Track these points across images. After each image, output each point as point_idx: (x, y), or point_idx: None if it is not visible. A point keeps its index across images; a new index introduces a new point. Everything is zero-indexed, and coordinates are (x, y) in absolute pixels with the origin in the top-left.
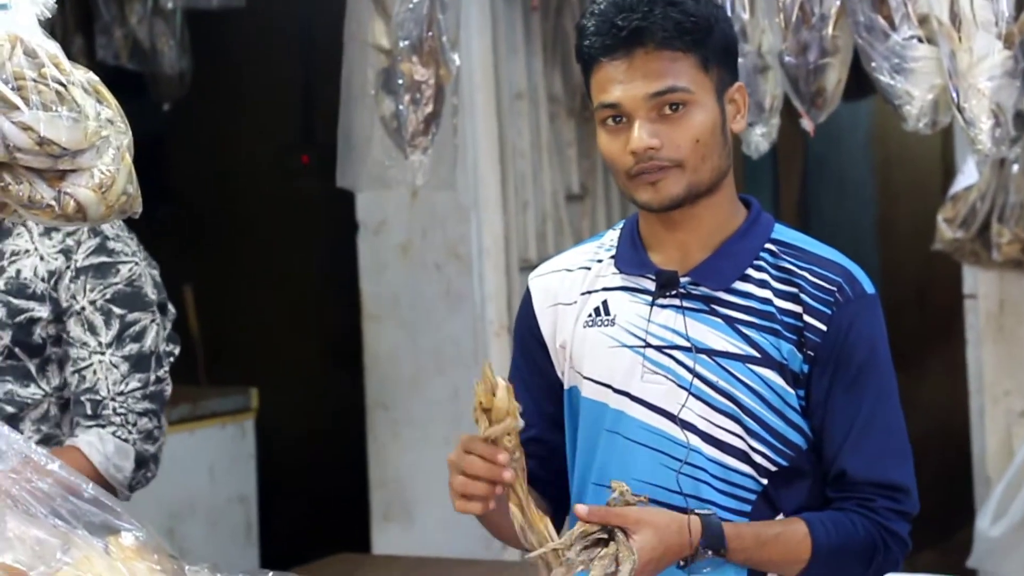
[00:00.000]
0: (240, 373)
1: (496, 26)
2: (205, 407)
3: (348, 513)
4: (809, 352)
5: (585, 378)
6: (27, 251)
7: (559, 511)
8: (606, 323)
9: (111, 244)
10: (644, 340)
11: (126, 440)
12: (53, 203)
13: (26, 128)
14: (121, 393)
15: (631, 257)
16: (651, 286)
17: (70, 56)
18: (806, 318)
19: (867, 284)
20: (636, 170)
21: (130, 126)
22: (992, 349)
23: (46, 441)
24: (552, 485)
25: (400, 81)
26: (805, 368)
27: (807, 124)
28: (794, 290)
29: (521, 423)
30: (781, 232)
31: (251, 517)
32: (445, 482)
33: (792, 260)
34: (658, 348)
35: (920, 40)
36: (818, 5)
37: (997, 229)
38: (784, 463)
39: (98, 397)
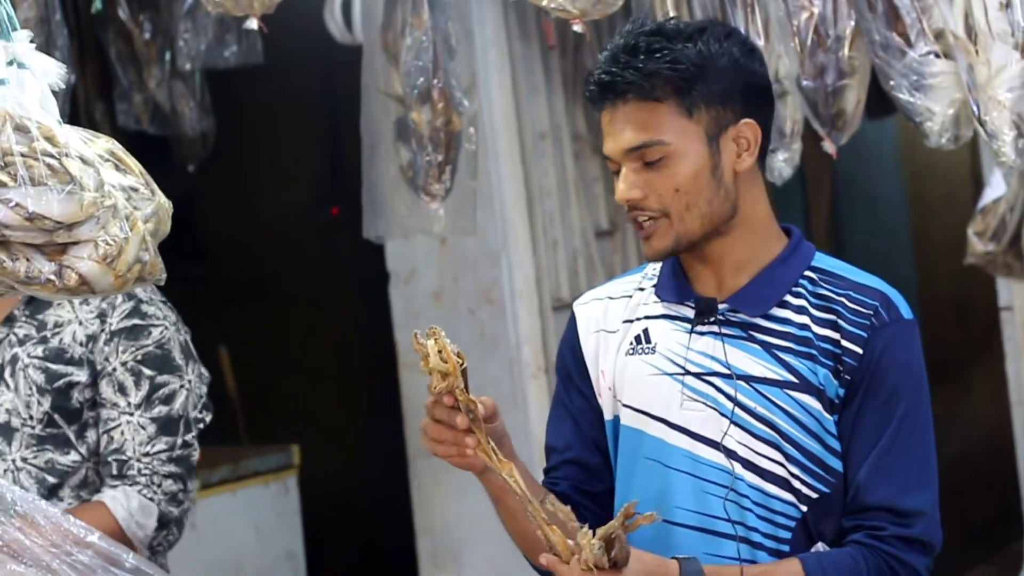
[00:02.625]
0: (280, 430)
1: (515, 67)
2: (247, 466)
3: (397, 563)
4: (846, 377)
5: (625, 406)
6: (69, 320)
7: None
8: (647, 351)
9: (144, 308)
10: (683, 368)
11: (151, 499)
12: (53, 277)
13: (14, 205)
14: (147, 454)
15: (672, 285)
16: (691, 313)
17: (92, 124)
18: (843, 343)
19: (905, 310)
20: (631, 218)
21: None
22: None
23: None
24: (588, 509)
25: (412, 129)
26: (841, 392)
27: (829, 147)
28: (832, 316)
29: (461, 382)
30: (821, 260)
31: (299, 574)
32: (492, 526)
33: (830, 287)
34: (697, 375)
35: (937, 55)
36: (833, 27)
37: None
38: (825, 489)
39: (124, 457)
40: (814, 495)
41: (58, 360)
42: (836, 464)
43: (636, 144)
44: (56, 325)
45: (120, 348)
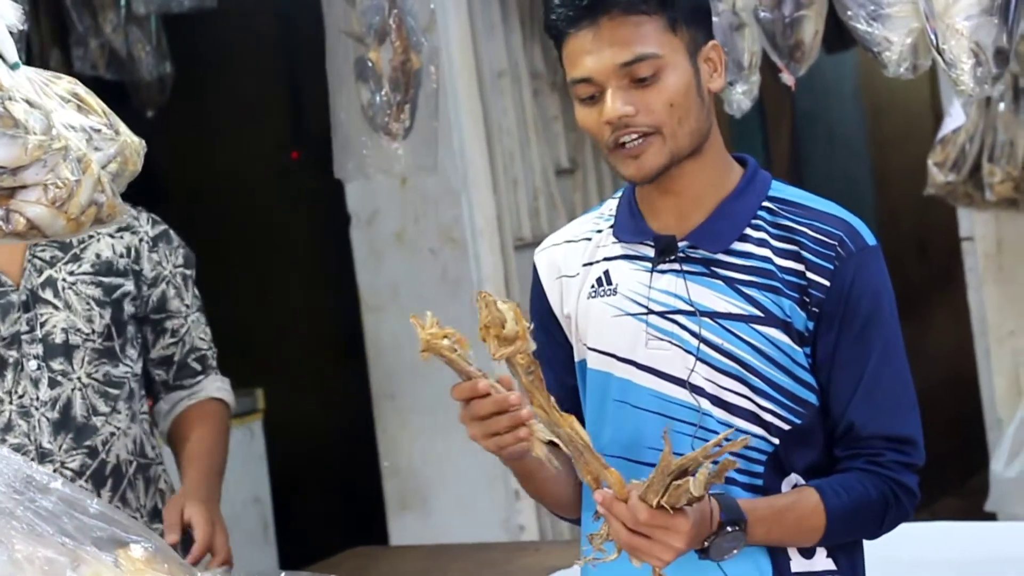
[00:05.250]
0: (244, 375)
1: (472, 5)
2: None
3: (365, 505)
4: (813, 309)
5: (590, 349)
6: (90, 235)
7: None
8: (608, 293)
9: (153, 215)
10: (646, 307)
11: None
12: (0, 223)
13: None
14: (212, 343)
15: (630, 225)
16: (651, 252)
17: (49, 70)
18: (808, 275)
19: (868, 236)
20: (613, 140)
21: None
22: (993, 290)
23: (132, 419)
24: None
25: (371, 68)
26: (810, 325)
27: (787, 78)
28: (795, 247)
29: (533, 345)
30: (779, 189)
31: (267, 517)
32: (457, 467)
33: (791, 217)
34: (661, 314)
35: None
36: None
37: (988, 169)
38: (797, 421)
39: (201, 351)
40: (786, 427)
41: (109, 272)
42: (808, 396)
43: (630, 58)
44: (80, 242)
45: (167, 253)
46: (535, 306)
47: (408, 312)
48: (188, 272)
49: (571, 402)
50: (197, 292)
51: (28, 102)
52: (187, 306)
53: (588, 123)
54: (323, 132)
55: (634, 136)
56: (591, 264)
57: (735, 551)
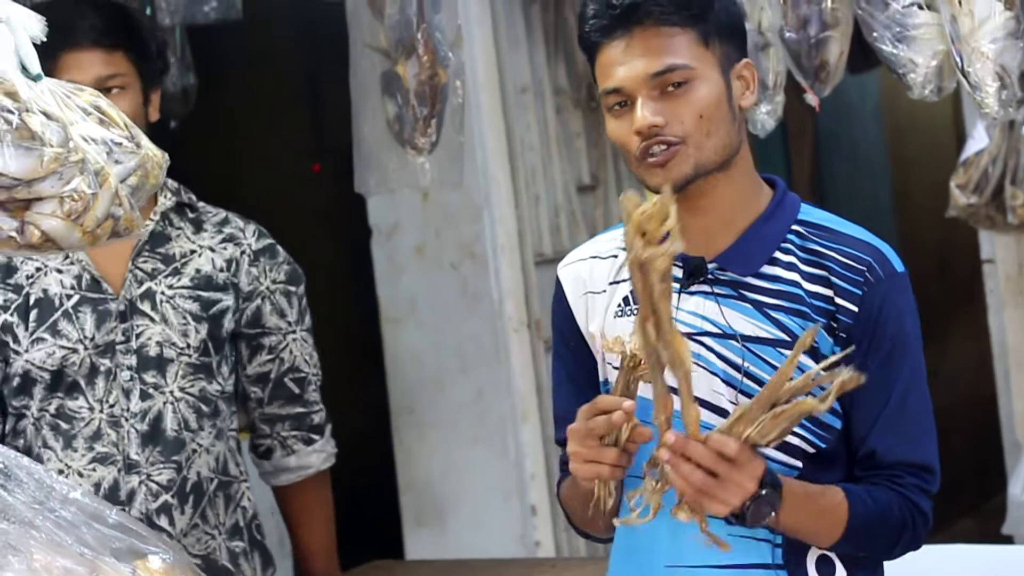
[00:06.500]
0: None
1: (496, 21)
2: None
3: (382, 519)
4: (841, 334)
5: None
6: (193, 250)
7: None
8: (635, 312)
9: (262, 227)
10: None
11: (327, 422)
12: (14, 234)
13: None
14: (316, 364)
15: None
16: (679, 273)
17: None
18: (837, 300)
19: (897, 263)
20: (642, 150)
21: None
22: (1014, 313)
23: (217, 436)
24: None
25: (398, 83)
26: (836, 350)
27: (812, 99)
28: (824, 273)
29: (681, 246)
30: (808, 212)
31: (283, 529)
32: (474, 482)
33: (820, 241)
34: (687, 336)
35: (920, 7)
36: None
37: (1011, 192)
38: (822, 445)
39: (301, 373)
40: (810, 450)
41: (208, 287)
42: (832, 420)
43: (660, 68)
44: (182, 256)
45: (267, 268)
46: (558, 321)
47: (428, 326)
48: (292, 289)
49: None
50: (307, 311)
51: (46, 114)
52: (289, 323)
53: (618, 134)
54: (345, 144)
55: (662, 146)
56: (618, 283)
57: (766, 519)
